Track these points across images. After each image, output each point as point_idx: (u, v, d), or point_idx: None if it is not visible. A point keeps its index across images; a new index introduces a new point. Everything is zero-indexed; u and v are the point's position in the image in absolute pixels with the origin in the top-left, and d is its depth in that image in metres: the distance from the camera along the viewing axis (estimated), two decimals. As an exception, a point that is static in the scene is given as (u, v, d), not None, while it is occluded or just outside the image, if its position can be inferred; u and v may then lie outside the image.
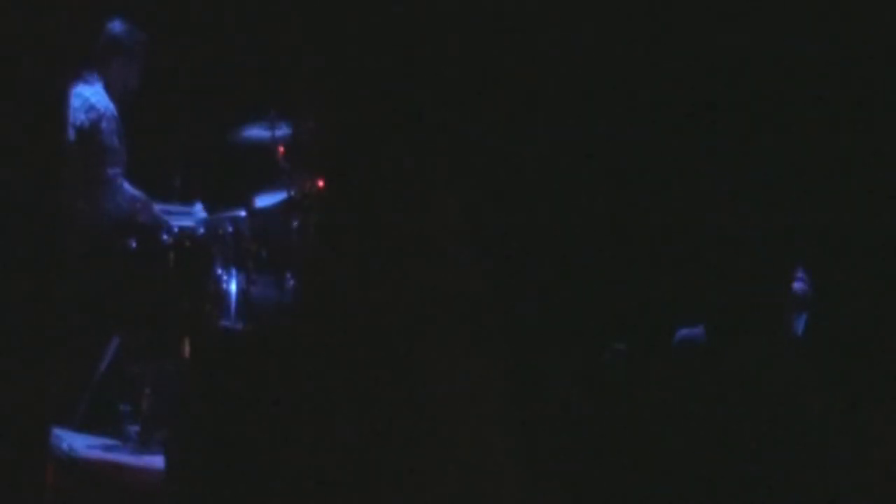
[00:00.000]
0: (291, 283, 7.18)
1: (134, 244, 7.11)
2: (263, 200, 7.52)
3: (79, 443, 6.71)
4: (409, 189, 6.17)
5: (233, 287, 7.19)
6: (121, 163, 7.32)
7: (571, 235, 7.31)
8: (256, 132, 7.61)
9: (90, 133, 7.24)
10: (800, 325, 7.12)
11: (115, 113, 7.35)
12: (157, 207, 7.47)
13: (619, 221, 7.45)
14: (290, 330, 6.83)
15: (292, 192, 7.27)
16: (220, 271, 7.17)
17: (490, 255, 6.40)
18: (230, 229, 7.28)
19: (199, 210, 7.46)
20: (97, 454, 6.70)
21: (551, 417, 6.08)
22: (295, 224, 7.28)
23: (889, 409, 6.45)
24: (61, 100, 6.08)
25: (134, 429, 6.93)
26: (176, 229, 7.13)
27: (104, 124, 7.25)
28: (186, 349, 6.97)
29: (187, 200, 7.56)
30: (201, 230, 7.27)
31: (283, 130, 7.45)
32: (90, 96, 7.31)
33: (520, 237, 7.04)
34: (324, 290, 6.70)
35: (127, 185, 7.31)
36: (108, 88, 7.41)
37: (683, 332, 7.34)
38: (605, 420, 6.07)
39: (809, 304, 7.14)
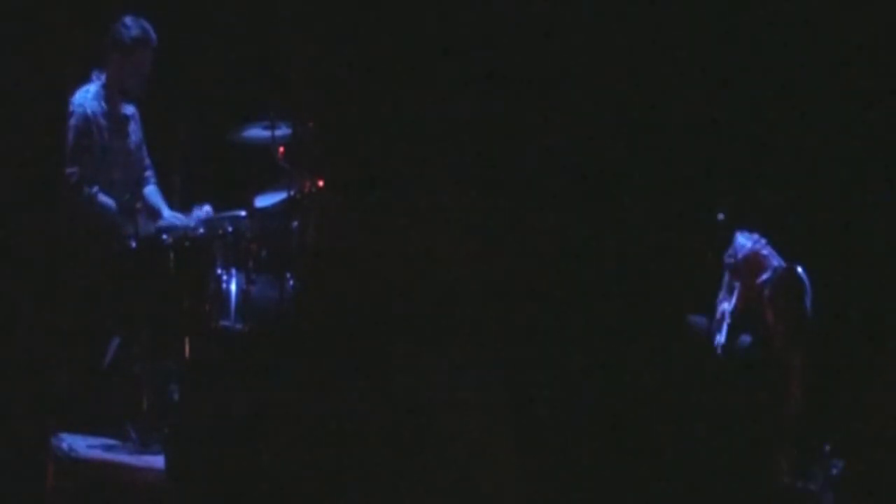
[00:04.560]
0: (291, 283, 7.18)
1: (134, 244, 7.10)
2: (263, 200, 7.51)
3: (79, 443, 6.71)
4: (408, 188, 6.17)
5: (233, 287, 7.18)
6: (85, 164, 7.26)
7: (570, 235, 7.30)
8: (256, 132, 7.60)
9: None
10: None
11: (95, 112, 7.33)
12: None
13: (613, 221, 7.45)
14: (290, 330, 6.84)
15: (292, 192, 7.26)
16: (220, 271, 7.16)
17: (490, 254, 6.40)
18: (230, 229, 7.27)
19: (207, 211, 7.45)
20: (97, 454, 6.70)
21: (550, 417, 6.08)
22: (295, 224, 7.27)
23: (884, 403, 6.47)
24: (61, 101, 6.10)
25: (134, 429, 6.93)
26: (134, 245, 7.08)
27: (72, 121, 7.21)
28: (186, 349, 6.97)
29: (189, 201, 7.56)
30: (201, 230, 7.27)
31: (283, 130, 7.44)
32: (77, 95, 7.31)
33: (520, 236, 7.03)
34: (324, 289, 6.71)
35: (90, 191, 7.23)
36: (107, 87, 7.41)
37: (692, 318, 7.27)
38: (605, 418, 6.07)
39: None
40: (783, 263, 6.81)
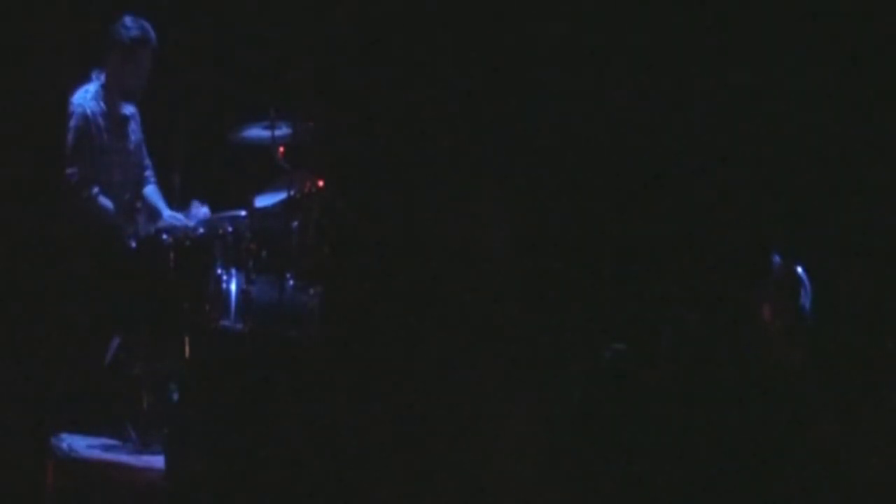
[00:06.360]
0: (291, 283, 7.18)
1: (134, 244, 7.11)
2: (263, 200, 7.51)
3: (79, 443, 6.72)
4: (409, 188, 6.17)
5: (233, 287, 7.18)
6: (84, 165, 7.26)
7: (577, 236, 7.30)
8: (256, 132, 7.60)
9: None
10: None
11: (94, 112, 7.34)
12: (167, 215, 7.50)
13: (627, 224, 7.45)
14: (290, 330, 6.84)
15: (292, 192, 7.27)
16: (220, 271, 7.16)
17: (494, 254, 6.40)
18: (230, 229, 7.27)
19: (205, 212, 7.46)
20: (97, 454, 6.71)
21: (569, 420, 6.08)
22: (295, 224, 7.27)
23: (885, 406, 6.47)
24: (61, 101, 6.09)
25: (134, 429, 6.93)
26: (134, 245, 7.10)
27: (72, 122, 7.21)
28: (186, 349, 6.98)
29: (189, 201, 7.56)
30: (201, 230, 7.27)
31: (283, 130, 7.44)
32: (77, 95, 7.31)
33: (521, 236, 7.03)
34: (326, 290, 6.70)
35: (90, 191, 7.24)
36: (107, 87, 7.42)
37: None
38: (614, 420, 6.07)
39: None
40: (780, 261, 6.81)
